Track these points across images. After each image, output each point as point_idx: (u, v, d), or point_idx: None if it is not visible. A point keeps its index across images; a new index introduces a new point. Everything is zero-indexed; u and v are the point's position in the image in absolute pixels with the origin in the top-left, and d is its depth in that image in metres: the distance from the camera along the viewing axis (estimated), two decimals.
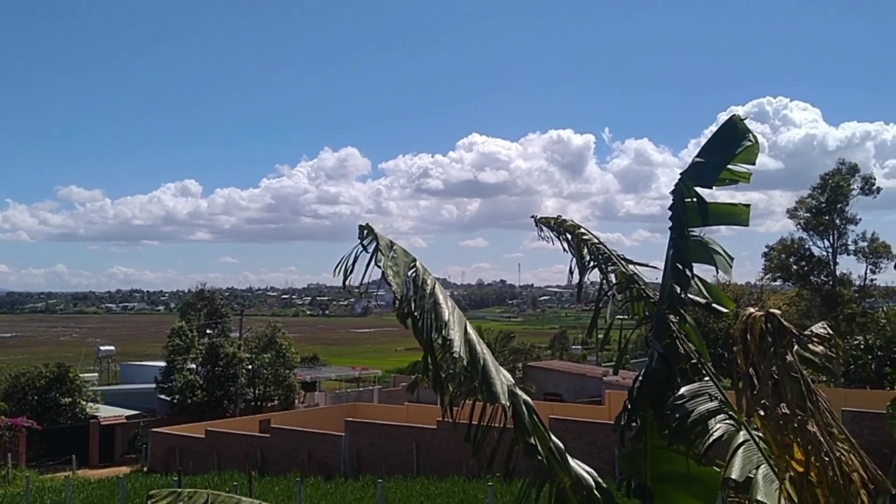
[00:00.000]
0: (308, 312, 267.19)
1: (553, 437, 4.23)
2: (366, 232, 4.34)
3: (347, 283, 4.25)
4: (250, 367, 50.91)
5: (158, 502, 4.76)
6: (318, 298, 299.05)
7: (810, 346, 3.46)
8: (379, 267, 4.18)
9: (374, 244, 4.29)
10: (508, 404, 4.03)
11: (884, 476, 3.36)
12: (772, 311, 3.47)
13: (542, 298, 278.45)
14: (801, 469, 3.26)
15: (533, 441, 4.11)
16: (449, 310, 4.22)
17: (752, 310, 3.47)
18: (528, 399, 4.20)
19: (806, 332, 3.47)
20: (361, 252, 4.26)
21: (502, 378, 4.13)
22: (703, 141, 4.96)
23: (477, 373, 4.09)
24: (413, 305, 4.13)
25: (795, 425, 3.24)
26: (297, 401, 53.74)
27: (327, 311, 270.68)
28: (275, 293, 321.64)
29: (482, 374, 4.09)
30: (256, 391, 51.57)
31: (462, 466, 27.81)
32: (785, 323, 3.42)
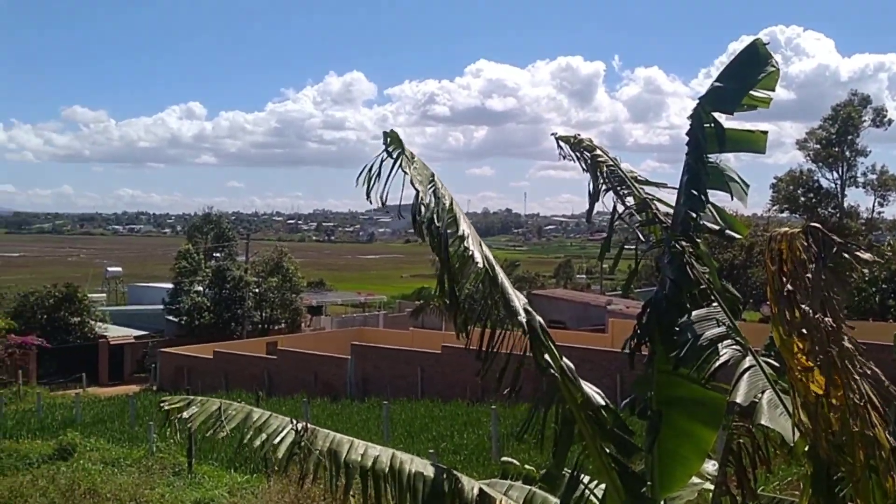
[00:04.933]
0: (314, 238, 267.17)
1: (564, 358, 4.26)
2: (390, 139, 4.27)
3: (372, 196, 4.20)
4: (257, 290, 51.22)
5: (172, 406, 4.83)
6: (323, 224, 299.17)
7: (858, 253, 3.43)
8: (405, 172, 4.13)
9: (398, 151, 4.23)
10: (525, 321, 4.04)
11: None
12: (813, 224, 3.44)
13: (548, 228, 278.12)
14: (820, 391, 3.27)
15: (546, 359, 4.14)
16: (467, 225, 4.21)
17: (785, 228, 3.44)
18: (541, 319, 4.22)
19: (850, 241, 3.44)
20: (384, 161, 4.19)
21: (518, 295, 4.14)
22: (714, 70, 4.88)
23: (496, 287, 4.09)
24: (436, 217, 4.10)
25: (841, 338, 3.23)
26: (303, 324, 54.25)
27: (333, 237, 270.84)
28: (281, 218, 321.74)
29: (501, 289, 4.09)
30: (263, 314, 51.98)
31: (466, 390, 28.16)
32: (829, 234, 3.39)
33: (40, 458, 19.84)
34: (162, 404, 4.91)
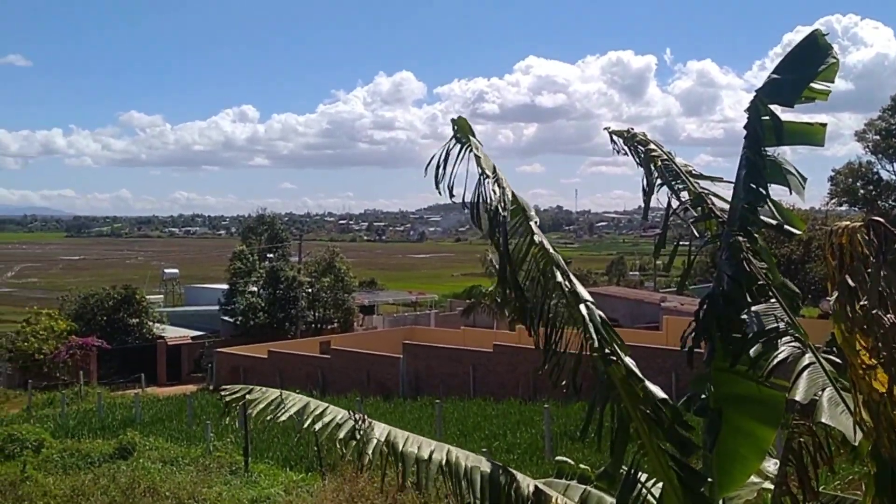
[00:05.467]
0: (365, 238, 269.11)
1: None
2: (458, 127, 4.29)
3: (441, 185, 4.22)
4: (310, 290, 51.64)
5: (232, 395, 4.88)
6: (374, 224, 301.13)
7: None
8: (477, 154, 4.15)
9: (466, 139, 4.24)
10: (587, 311, 4.03)
11: None
12: (874, 217, 3.36)
13: (600, 224, 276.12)
14: (883, 389, 3.19)
15: (611, 350, 4.11)
16: (533, 216, 4.24)
17: (846, 222, 3.36)
18: (601, 313, 4.21)
19: None
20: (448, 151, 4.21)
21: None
22: (769, 62, 4.80)
23: (565, 272, 4.09)
24: (502, 206, 4.12)
25: None
26: (355, 324, 54.56)
27: (384, 237, 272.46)
28: (332, 218, 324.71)
29: (568, 276, 4.09)
30: (316, 314, 52.39)
31: (518, 389, 28.12)
32: (891, 228, 3.30)
33: (101, 457, 20.25)
34: (223, 393, 4.96)
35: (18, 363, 41.80)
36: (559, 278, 4.18)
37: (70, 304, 48.18)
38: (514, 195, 4.26)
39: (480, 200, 4.18)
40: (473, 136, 4.29)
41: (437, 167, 4.22)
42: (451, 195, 4.26)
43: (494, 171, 4.28)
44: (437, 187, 4.22)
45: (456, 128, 4.27)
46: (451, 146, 4.23)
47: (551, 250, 4.19)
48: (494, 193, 4.14)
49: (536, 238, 4.16)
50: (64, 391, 35.71)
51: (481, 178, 4.19)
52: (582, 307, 4.09)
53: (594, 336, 4.09)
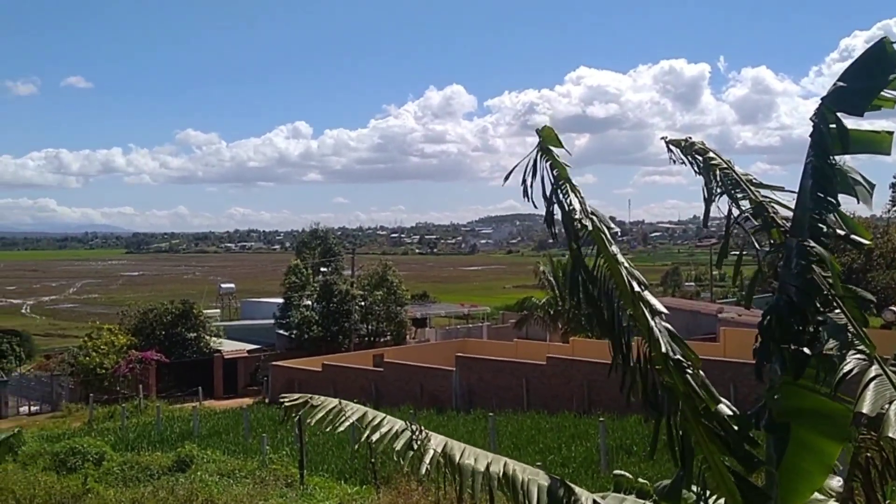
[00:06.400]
0: (417, 251, 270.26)
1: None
2: (544, 137, 4.30)
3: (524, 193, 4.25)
4: (363, 303, 51.89)
5: (293, 403, 4.91)
6: (426, 237, 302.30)
7: None
8: (567, 166, 4.19)
9: (554, 149, 4.27)
10: (663, 323, 4.01)
11: None
12: None
13: (654, 235, 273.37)
14: None
15: (681, 357, 4.06)
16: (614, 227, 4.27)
17: None
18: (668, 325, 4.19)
19: None
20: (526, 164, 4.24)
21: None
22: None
23: (641, 282, 4.07)
24: (586, 216, 4.14)
25: None
26: (408, 336, 54.66)
27: (435, 250, 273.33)
28: (384, 232, 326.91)
29: (642, 285, 4.07)
30: (369, 327, 52.60)
31: (572, 401, 27.85)
32: None
33: (160, 469, 20.51)
34: (282, 399, 5.01)
35: (80, 377, 42.75)
36: (636, 288, 4.16)
37: (130, 319, 49.10)
38: (592, 209, 4.29)
39: (558, 209, 4.20)
40: (560, 145, 4.30)
41: (524, 179, 4.26)
42: (549, 205, 4.28)
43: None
44: (528, 196, 4.25)
45: (543, 137, 4.29)
46: (536, 156, 4.25)
47: (627, 263, 4.18)
48: (573, 203, 4.16)
49: (613, 249, 4.15)
50: (124, 405, 36.37)
51: (557, 187, 4.20)
52: (661, 315, 4.06)
53: (666, 348, 4.05)
